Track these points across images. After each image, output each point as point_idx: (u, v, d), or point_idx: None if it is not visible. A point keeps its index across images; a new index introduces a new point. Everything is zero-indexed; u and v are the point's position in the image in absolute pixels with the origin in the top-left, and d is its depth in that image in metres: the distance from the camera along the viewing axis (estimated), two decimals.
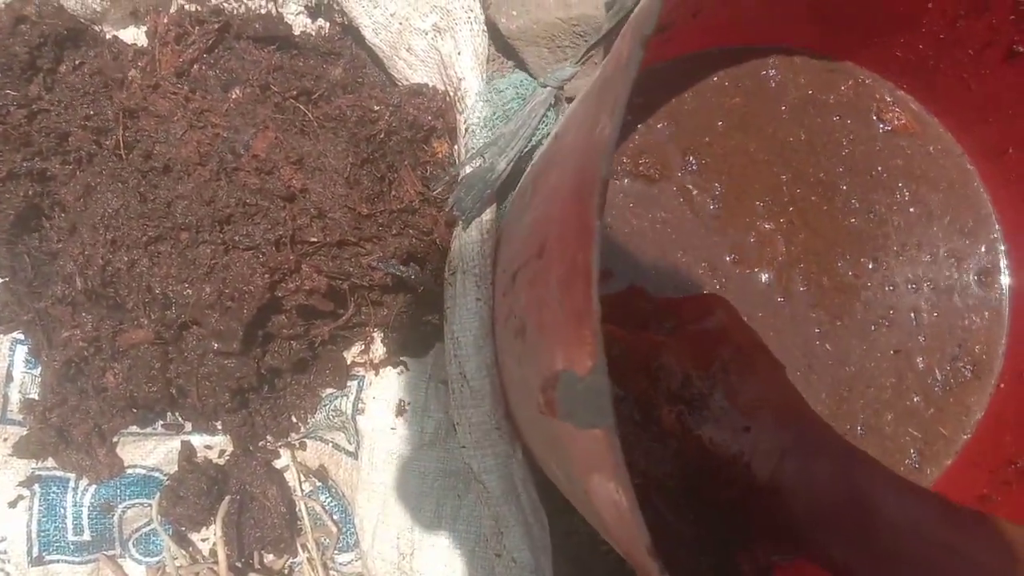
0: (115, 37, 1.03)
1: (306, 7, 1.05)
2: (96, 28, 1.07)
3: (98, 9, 1.05)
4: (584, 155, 0.46)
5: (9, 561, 0.97)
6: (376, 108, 0.85)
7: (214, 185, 0.80)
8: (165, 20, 0.95)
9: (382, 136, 0.85)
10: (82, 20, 1.04)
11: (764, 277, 0.93)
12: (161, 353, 0.85)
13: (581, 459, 0.43)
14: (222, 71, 0.90)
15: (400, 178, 0.88)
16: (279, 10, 1.03)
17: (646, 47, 0.40)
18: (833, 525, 0.61)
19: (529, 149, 0.82)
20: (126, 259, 0.81)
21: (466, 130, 0.84)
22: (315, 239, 0.82)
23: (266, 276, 0.79)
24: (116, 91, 0.88)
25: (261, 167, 0.80)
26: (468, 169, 0.83)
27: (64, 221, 0.91)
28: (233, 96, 0.86)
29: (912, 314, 0.95)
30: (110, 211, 0.81)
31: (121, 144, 0.86)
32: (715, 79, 0.95)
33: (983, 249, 0.97)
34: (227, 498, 0.94)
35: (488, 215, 0.84)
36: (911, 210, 0.98)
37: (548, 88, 0.81)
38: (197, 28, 0.90)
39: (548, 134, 0.83)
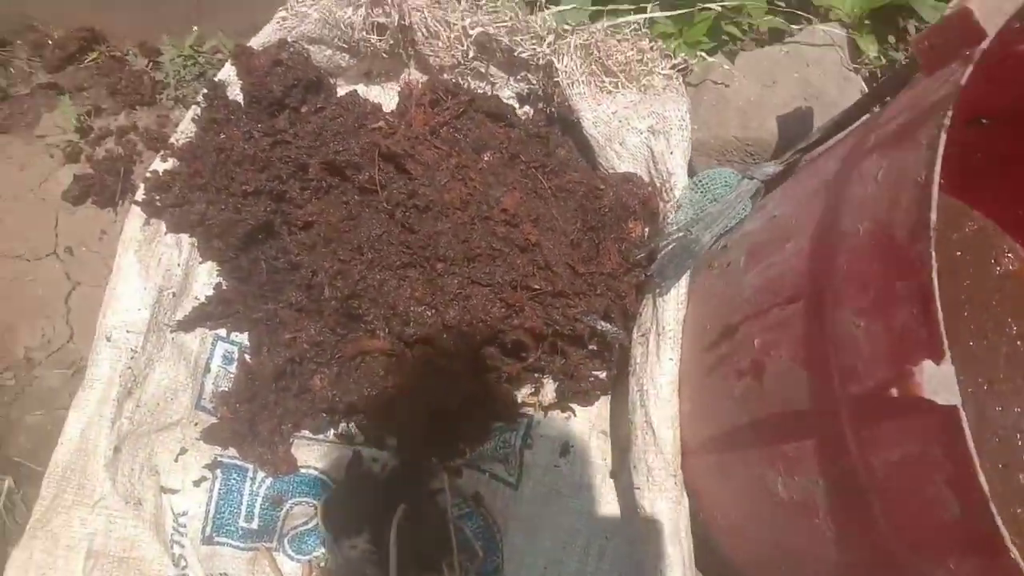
0: (354, 91, 1.20)
1: (517, 95, 1.22)
2: (331, 80, 1.24)
3: (343, 65, 1.23)
4: (888, 203, 0.60)
5: (185, 535, 1.04)
6: (601, 187, 1.01)
7: (469, 228, 0.94)
8: (418, 85, 1.11)
9: (605, 210, 1.00)
10: (323, 71, 1.22)
11: None
12: (387, 364, 0.96)
13: (911, 444, 0.55)
14: (468, 136, 1.06)
15: (606, 248, 1.02)
16: (496, 92, 1.21)
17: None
18: None
19: (729, 229, 0.97)
20: (379, 278, 0.93)
21: (676, 208, 0.99)
22: (537, 286, 0.96)
23: (502, 310, 0.92)
24: (381, 137, 1.03)
25: (508, 220, 0.95)
26: (672, 242, 0.98)
27: (307, 238, 1.04)
28: (485, 158, 1.01)
29: (1018, 434, 1.09)
30: (373, 235, 0.94)
31: (377, 181, 1.01)
32: None
33: None
34: (401, 506, 1.03)
35: (683, 284, 0.98)
36: (1018, 343, 1.13)
37: (755, 180, 0.97)
38: (450, 97, 1.07)
39: (744, 217, 0.97)
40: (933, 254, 0.52)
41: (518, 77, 1.19)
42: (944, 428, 0.53)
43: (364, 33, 1.16)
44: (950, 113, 0.57)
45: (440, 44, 1.13)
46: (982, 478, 0.52)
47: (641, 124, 1.07)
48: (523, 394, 1.11)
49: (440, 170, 0.97)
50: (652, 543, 0.94)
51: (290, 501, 1.08)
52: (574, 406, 1.07)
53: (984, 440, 1.09)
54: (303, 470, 1.09)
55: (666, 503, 0.94)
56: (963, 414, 0.50)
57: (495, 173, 0.99)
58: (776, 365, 0.74)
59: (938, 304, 0.51)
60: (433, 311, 0.93)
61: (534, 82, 1.19)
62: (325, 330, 1.01)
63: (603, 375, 1.09)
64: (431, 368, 0.95)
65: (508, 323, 0.95)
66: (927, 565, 0.62)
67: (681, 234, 0.97)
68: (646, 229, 1.08)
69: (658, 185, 1.05)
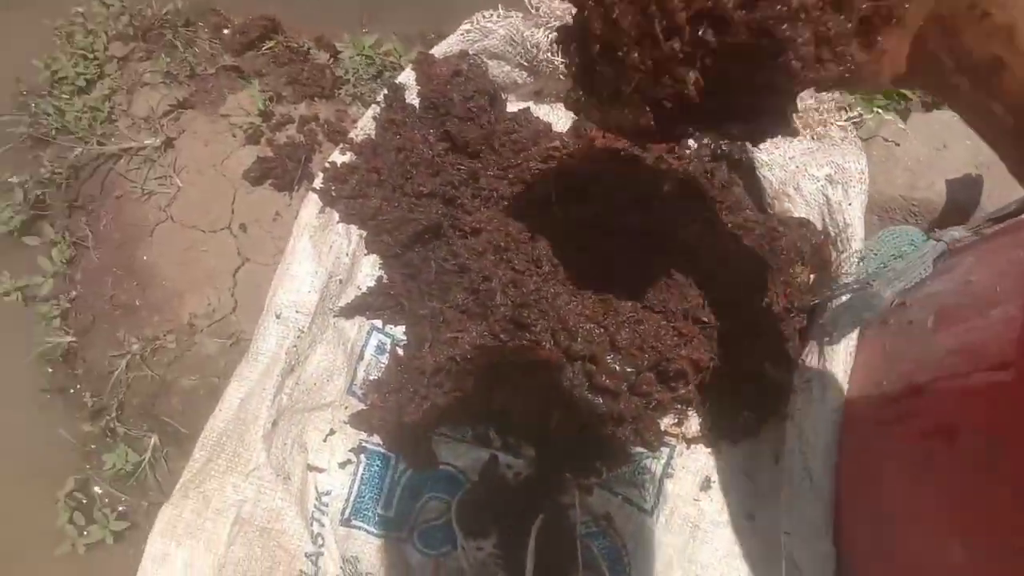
0: (527, 108, 1.24)
1: None
2: (504, 95, 1.28)
3: (519, 82, 1.27)
4: None
5: (326, 514, 1.08)
6: (780, 229, 1.02)
7: (648, 255, 0.96)
8: None
9: (781, 252, 1.01)
10: (498, 85, 1.26)
11: None
12: (548, 375, 0.99)
13: None
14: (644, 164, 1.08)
15: (773, 291, 1.03)
16: None
17: None
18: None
19: (909, 288, 0.96)
20: (553, 291, 0.96)
21: (860, 259, 0.99)
22: (706, 320, 0.97)
23: (675, 338, 0.93)
24: (560, 152, 1.06)
25: (686, 251, 0.96)
26: (849, 294, 0.98)
27: (476, 244, 1.07)
28: (665, 188, 1.04)
29: None
30: (553, 251, 0.97)
31: (554, 195, 1.04)
32: None
33: None
34: (541, 515, 1.05)
35: (854, 337, 0.97)
36: None
37: (941, 242, 0.96)
38: None
39: (924, 277, 0.97)
40: None
41: None
42: None
43: (548, 55, 1.19)
44: None
45: None
46: None
47: (819, 172, 1.07)
48: (666, 423, 1.11)
49: (619, 194, 0.99)
50: None
51: (427, 494, 1.11)
52: (720, 442, 1.07)
53: None
54: (442, 467, 1.12)
55: (815, 554, 0.93)
56: None
57: (676, 204, 1.00)
58: (975, 431, 0.73)
59: None
60: (602, 330, 0.95)
61: None
62: (487, 334, 1.03)
63: (752, 416, 1.09)
64: (590, 385, 0.97)
65: (676, 352, 0.96)
66: None
67: (859, 286, 0.97)
68: (811, 276, 1.08)
69: (832, 234, 1.05)
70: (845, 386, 0.96)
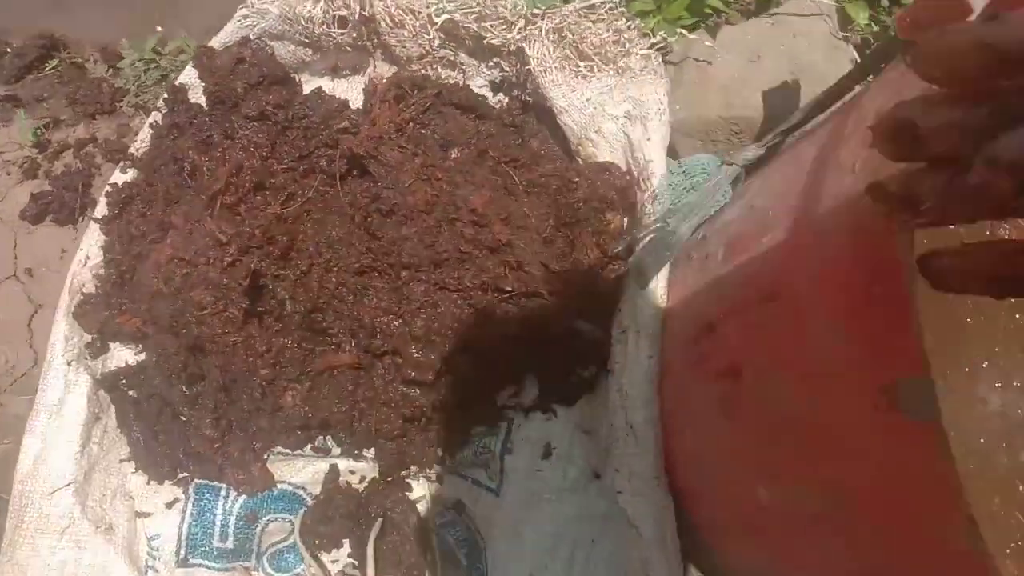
0: (319, 87, 1.15)
1: (491, 82, 1.17)
2: (296, 77, 1.19)
3: (306, 60, 1.18)
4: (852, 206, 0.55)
5: (159, 559, 1.01)
6: (575, 179, 0.96)
7: (435, 231, 0.89)
8: (382, 80, 1.06)
9: (579, 204, 0.95)
10: (288, 68, 1.17)
11: None
12: (355, 377, 0.92)
13: (898, 458, 0.51)
14: (436, 132, 1.01)
15: (583, 242, 0.97)
16: (467, 82, 1.15)
17: None
18: None
19: (708, 218, 0.92)
20: (335, 280, 0.89)
21: (653, 198, 0.94)
22: (510, 288, 0.91)
23: (472, 315, 0.87)
24: (340, 133, 0.98)
25: (477, 221, 0.90)
26: (650, 234, 0.93)
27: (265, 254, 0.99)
28: (453, 156, 0.97)
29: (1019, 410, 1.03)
30: (333, 238, 0.90)
31: (338, 181, 0.96)
32: None
33: None
34: (379, 520, 1.00)
35: (663, 278, 0.93)
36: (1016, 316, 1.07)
37: (733, 166, 0.91)
38: (416, 91, 1.02)
39: (723, 205, 0.92)
40: (914, 254, 0.47)
41: (490, 64, 1.14)
42: (924, 444, 0.48)
43: (325, 27, 1.10)
44: None
45: (405, 33, 1.08)
46: (969, 496, 0.47)
47: (617, 110, 1.01)
48: (504, 397, 1.06)
49: (404, 171, 0.92)
50: (636, 548, 0.90)
51: (265, 518, 1.04)
52: (556, 407, 1.02)
53: (985, 418, 1.03)
54: (279, 486, 1.05)
55: (649, 507, 0.90)
56: (949, 433, 0.45)
57: (463, 171, 0.94)
58: (754, 368, 0.69)
59: (918, 310, 0.46)
60: (400, 321, 0.89)
61: (507, 69, 1.13)
62: (293, 346, 0.97)
63: (585, 373, 1.04)
64: (401, 380, 0.91)
65: (481, 329, 0.90)
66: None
67: (659, 225, 0.92)
68: (625, 221, 1.03)
69: (636, 174, 1.00)
70: (658, 332, 0.92)
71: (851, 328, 0.54)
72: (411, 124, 1.01)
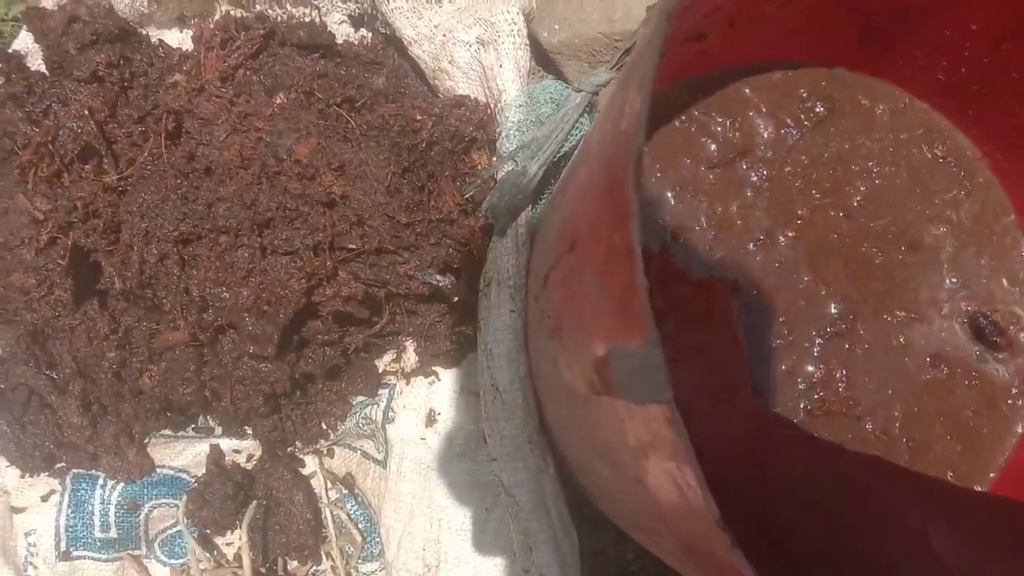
0: (160, 40, 1.05)
1: (350, 17, 1.05)
2: (142, 31, 1.09)
3: (145, 11, 1.07)
4: (613, 140, 0.45)
5: (37, 555, 0.97)
6: (419, 118, 0.85)
7: (255, 189, 0.80)
8: (211, 25, 0.96)
9: (424, 146, 0.85)
10: (130, 22, 1.06)
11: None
12: (197, 355, 0.85)
13: (636, 442, 0.42)
14: (267, 76, 0.91)
15: (440, 188, 0.88)
16: (323, 19, 1.04)
17: (670, 21, 0.41)
18: None
19: (563, 154, 0.82)
20: (156, 252, 0.81)
21: (500, 135, 0.84)
22: (353, 246, 0.83)
23: (303, 281, 0.79)
24: (161, 93, 0.89)
25: (303, 173, 0.81)
26: (501, 173, 0.83)
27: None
28: (277, 101, 0.87)
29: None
30: (147, 204, 0.82)
31: (163, 144, 0.87)
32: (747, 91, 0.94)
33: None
34: (254, 503, 0.94)
35: (523, 225, 0.83)
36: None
37: (583, 92, 0.81)
38: (243, 34, 0.91)
39: (579, 138, 0.83)
40: (632, 183, 0.37)
41: None
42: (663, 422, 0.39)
43: None
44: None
45: None
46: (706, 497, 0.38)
47: (468, 35, 0.90)
48: (385, 362, 0.99)
49: (219, 123, 0.82)
50: (516, 518, 0.83)
51: (148, 504, 1.00)
52: (437, 369, 0.94)
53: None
54: (158, 470, 1.00)
55: (524, 472, 0.83)
56: (675, 414, 0.36)
57: (287, 118, 0.84)
58: (568, 326, 0.60)
59: (638, 264, 0.36)
60: (230, 291, 0.80)
61: (364, 1, 1.02)
62: (139, 326, 0.89)
63: (469, 330, 0.96)
64: (244, 355, 0.84)
65: (320, 293, 0.82)
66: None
67: (510, 166, 0.82)
68: (494, 160, 0.93)
69: (494, 106, 0.89)
70: (522, 284, 0.83)
71: (602, 279, 0.44)
72: (240, 71, 0.91)
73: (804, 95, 0.95)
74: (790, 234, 0.89)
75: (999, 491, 0.88)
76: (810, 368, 0.86)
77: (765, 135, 0.92)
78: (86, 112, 0.96)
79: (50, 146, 0.90)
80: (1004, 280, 0.93)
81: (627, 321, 0.38)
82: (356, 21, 1.06)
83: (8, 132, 0.99)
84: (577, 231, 0.56)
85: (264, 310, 0.79)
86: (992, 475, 0.89)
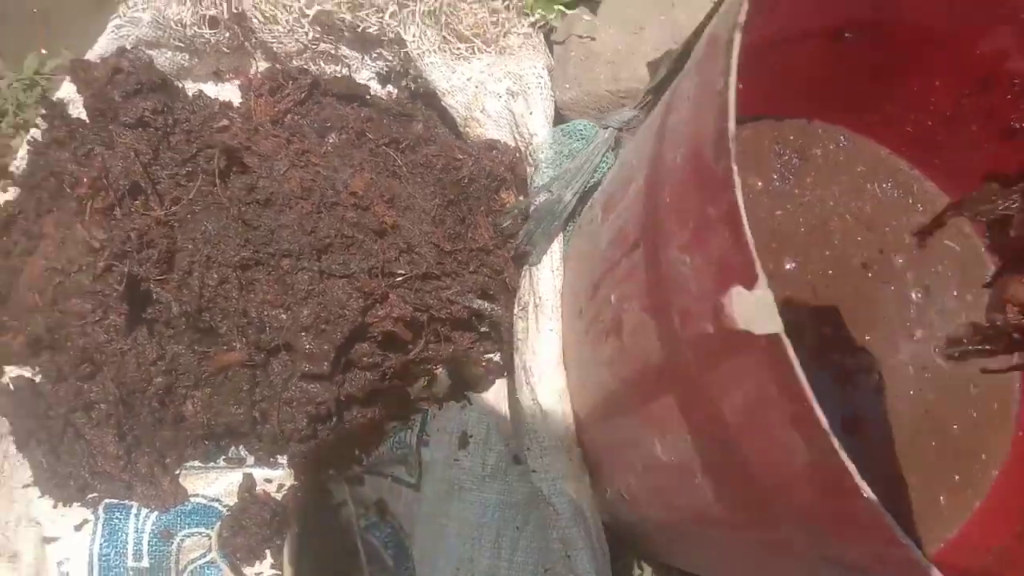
0: (200, 91, 1.12)
1: (377, 74, 1.15)
2: (178, 83, 1.16)
3: (186, 66, 1.15)
4: (695, 119, 0.54)
5: None
6: (460, 157, 0.94)
7: (315, 217, 0.87)
8: (257, 75, 1.04)
9: (465, 182, 0.94)
10: (168, 75, 1.14)
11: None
12: (250, 376, 0.90)
13: (744, 399, 0.50)
14: (314, 121, 0.98)
15: (476, 222, 0.96)
16: (353, 75, 1.14)
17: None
18: None
19: (593, 184, 0.91)
20: (216, 276, 0.86)
21: (535, 168, 0.93)
22: (402, 271, 0.90)
23: (360, 301, 0.85)
24: (208, 134, 0.96)
25: (358, 203, 0.88)
26: (537, 203, 0.92)
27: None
28: (330, 141, 0.95)
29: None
30: (209, 232, 0.87)
31: (216, 179, 0.94)
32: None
33: None
34: (294, 530, 0.97)
35: (557, 251, 0.92)
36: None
37: (610, 129, 0.91)
38: (291, 83, 1.00)
39: (607, 169, 0.92)
40: (735, 168, 0.46)
41: (373, 55, 1.12)
42: (772, 362, 0.47)
43: (196, 28, 1.08)
44: (745, 7, 0.51)
45: (280, 29, 1.06)
46: (818, 412, 0.46)
47: (498, 87, 1.00)
48: (416, 389, 1.04)
49: (279, 159, 0.90)
50: (555, 527, 0.88)
51: (181, 534, 1.01)
52: (469, 393, 1.00)
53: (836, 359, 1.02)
54: (192, 499, 1.02)
55: (564, 482, 0.88)
56: (787, 342, 0.44)
57: (341, 155, 0.92)
58: (631, 319, 0.68)
59: (745, 224, 0.45)
60: (287, 313, 0.86)
61: (390, 58, 1.12)
62: (186, 351, 0.93)
63: (496, 357, 1.03)
64: (299, 375, 0.88)
65: (372, 315, 0.88)
66: (797, 517, 0.57)
67: (545, 195, 0.91)
68: (520, 198, 1.02)
69: (523, 149, 0.99)
70: (558, 304, 0.91)
71: (696, 255, 0.53)
72: (288, 115, 0.99)
73: (778, 149, 1.07)
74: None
75: None
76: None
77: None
78: (132, 154, 1.02)
79: (104, 180, 0.95)
80: None
81: (739, 272, 0.46)
82: (383, 78, 1.16)
83: (56, 172, 1.04)
84: (642, 229, 0.65)
85: (322, 329, 0.85)
86: None
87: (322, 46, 1.09)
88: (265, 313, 0.86)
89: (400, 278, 0.90)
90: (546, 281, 0.90)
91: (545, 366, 0.88)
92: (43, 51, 1.37)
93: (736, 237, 0.47)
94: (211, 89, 1.16)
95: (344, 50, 1.11)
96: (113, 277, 0.89)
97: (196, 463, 1.04)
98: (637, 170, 0.69)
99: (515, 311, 0.94)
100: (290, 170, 0.88)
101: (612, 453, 0.85)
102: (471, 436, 0.99)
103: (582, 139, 0.93)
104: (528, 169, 0.98)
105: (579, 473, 0.89)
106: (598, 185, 0.91)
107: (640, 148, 0.71)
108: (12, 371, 1.04)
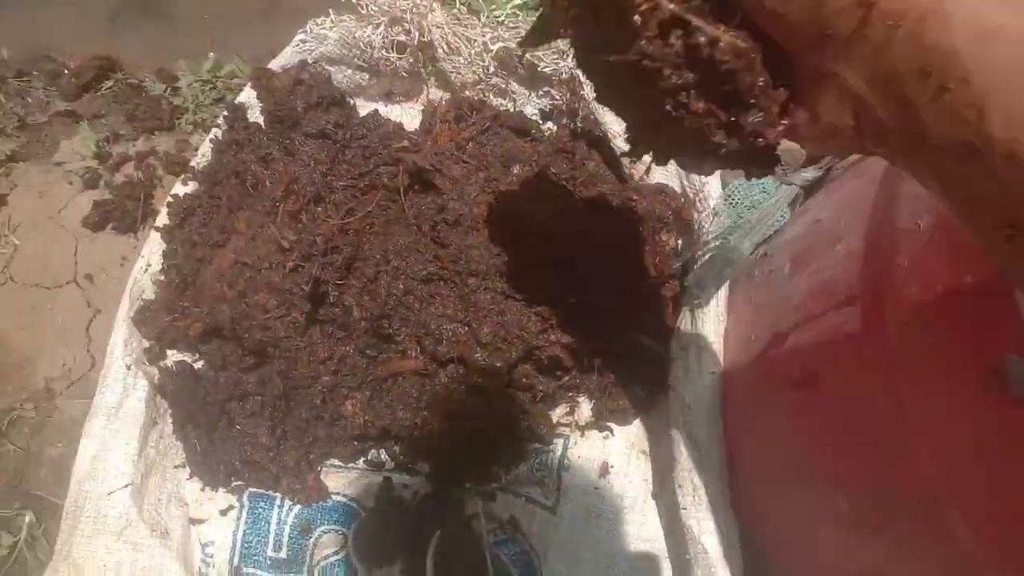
0: (375, 111, 1.19)
1: (540, 111, 1.21)
2: (351, 100, 1.23)
3: (362, 85, 1.22)
4: None
5: (213, 566, 1.01)
6: (634, 198, 0.99)
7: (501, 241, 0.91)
8: (441, 103, 1.10)
9: (639, 223, 0.98)
10: (344, 91, 1.20)
11: None
12: (420, 385, 0.94)
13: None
14: (493, 151, 1.04)
15: (641, 261, 1.00)
16: (518, 109, 1.19)
17: None
18: None
19: (768, 236, 0.94)
20: (403, 287, 0.91)
21: (714, 216, 0.97)
22: (574, 300, 0.93)
23: (538, 324, 0.89)
24: (401, 151, 1.01)
25: (542, 232, 0.92)
26: (710, 251, 0.95)
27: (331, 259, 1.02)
28: (515, 171, 1.00)
29: None
30: (400, 245, 0.92)
31: (403, 196, 0.99)
32: None
33: None
34: (437, 533, 1.00)
35: (722, 296, 0.95)
36: None
37: (794, 186, 0.95)
38: (475, 113, 1.05)
39: (782, 224, 0.95)
40: None
41: (540, 93, 1.18)
42: None
43: (384, 52, 1.15)
44: None
45: (461, 60, 1.12)
46: None
47: None
48: (558, 414, 1.07)
49: (469, 184, 0.95)
50: (701, 565, 0.90)
51: (319, 529, 1.04)
52: (612, 425, 1.03)
53: None
54: (333, 497, 1.05)
55: (715, 522, 0.90)
56: None
57: (524, 185, 0.96)
58: (833, 373, 0.71)
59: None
60: (466, 328, 0.90)
61: (557, 97, 1.17)
62: (355, 353, 0.98)
63: (641, 392, 1.06)
64: (465, 387, 0.92)
65: (544, 338, 0.92)
66: None
67: (719, 243, 0.94)
68: (679, 241, 1.06)
69: (691, 196, 1.03)
70: (720, 348, 0.94)
71: (942, 320, 0.55)
72: (471, 143, 1.04)
73: None
74: None
75: None
76: None
77: None
78: (312, 163, 1.09)
79: (294, 185, 1.01)
80: None
81: (1009, 337, 0.49)
82: (545, 115, 1.21)
83: (238, 171, 1.10)
84: (856, 288, 0.68)
85: (499, 347, 0.89)
86: None
87: (494, 80, 1.15)
88: (444, 327, 0.91)
89: (570, 307, 0.94)
90: (712, 325, 0.93)
91: (705, 407, 0.91)
92: (211, 55, 1.45)
93: (1005, 305, 0.49)
94: (382, 109, 1.22)
95: (514, 85, 1.16)
96: (300, 277, 0.95)
97: (336, 462, 1.08)
98: (849, 230, 0.73)
99: (672, 350, 0.97)
100: (481, 195, 0.93)
101: (772, 501, 0.86)
102: (611, 467, 1.02)
103: (763, 192, 0.97)
104: (695, 215, 1.02)
105: (728, 514, 0.90)
106: (770, 237, 0.94)
107: (851, 209, 0.75)
108: (174, 355, 1.10)
